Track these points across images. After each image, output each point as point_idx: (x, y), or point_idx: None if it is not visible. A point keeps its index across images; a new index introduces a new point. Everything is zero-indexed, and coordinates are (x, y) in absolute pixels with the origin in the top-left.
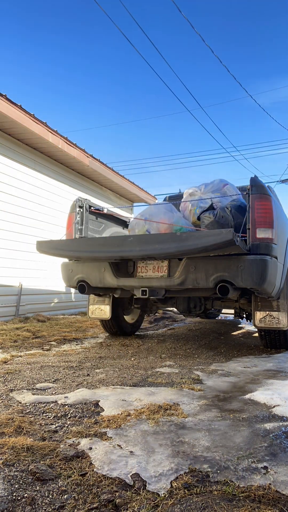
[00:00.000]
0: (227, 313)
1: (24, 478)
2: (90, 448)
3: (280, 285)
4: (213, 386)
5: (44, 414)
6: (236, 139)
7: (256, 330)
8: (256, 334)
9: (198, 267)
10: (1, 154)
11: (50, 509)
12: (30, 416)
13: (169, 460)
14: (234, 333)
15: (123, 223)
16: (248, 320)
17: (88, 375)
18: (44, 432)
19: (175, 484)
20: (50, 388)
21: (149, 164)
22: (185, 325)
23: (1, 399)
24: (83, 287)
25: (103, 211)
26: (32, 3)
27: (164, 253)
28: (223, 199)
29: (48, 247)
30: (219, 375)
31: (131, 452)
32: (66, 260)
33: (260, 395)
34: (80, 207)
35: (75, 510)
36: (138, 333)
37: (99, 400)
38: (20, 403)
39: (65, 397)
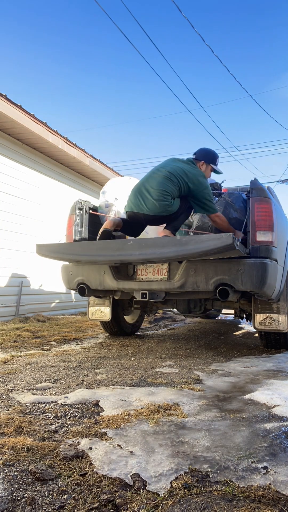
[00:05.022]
0: (227, 313)
1: (24, 478)
2: (90, 448)
3: (280, 288)
4: (213, 386)
5: (44, 414)
6: (237, 139)
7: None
8: (256, 334)
9: (198, 270)
10: (1, 154)
11: (50, 509)
12: (30, 416)
13: (169, 460)
14: (234, 333)
15: None
16: (248, 321)
17: (88, 375)
18: (44, 432)
19: (175, 484)
20: (50, 388)
21: (149, 164)
22: (185, 325)
23: (1, 399)
24: (83, 289)
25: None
26: (32, 2)
27: (164, 257)
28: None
29: (47, 251)
30: (219, 375)
31: (131, 452)
32: (66, 262)
33: (260, 395)
34: (80, 209)
35: (75, 510)
36: (138, 333)
37: (99, 400)
38: (20, 403)
39: (65, 397)
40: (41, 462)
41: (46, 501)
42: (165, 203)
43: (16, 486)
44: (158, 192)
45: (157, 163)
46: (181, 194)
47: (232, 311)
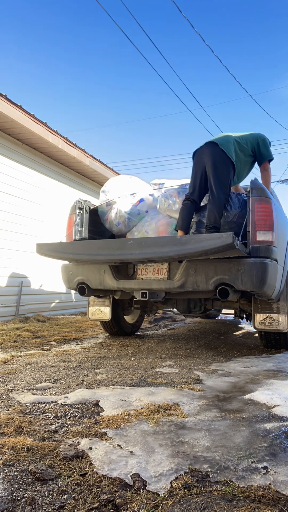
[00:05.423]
0: (227, 313)
1: (24, 478)
2: (90, 448)
3: (280, 288)
4: (213, 386)
5: (44, 414)
6: None
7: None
8: (256, 334)
9: (198, 270)
10: (1, 154)
11: (50, 509)
12: (30, 416)
13: (169, 460)
14: (234, 333)
15: None
16: (248, 321)
17: (88, 375)
18: (44, 432)
19: (175, 484)
20: (50, 388)
21: (149, 164)
22: (185, 325)
23: (1, 399)
24: (83, 289)
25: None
26: (31, 1)
27: (164, 257)
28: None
29: (48, 250)
30: (219, 375)
31: (131, 452)
32: (66, 262)
33: (260, 395)
34: (80, 208)
35: (75, 510)
36: (138, 333)
37: (99, 400)
38: (20, 403)
39: (65, 397)
40: (41, 462)
41: (46, 501)
42: (228, 145)
43: (16, 486)
44: (221, 138)
45: (157, 163)
46: (240, 153)
47: (232, 311)
